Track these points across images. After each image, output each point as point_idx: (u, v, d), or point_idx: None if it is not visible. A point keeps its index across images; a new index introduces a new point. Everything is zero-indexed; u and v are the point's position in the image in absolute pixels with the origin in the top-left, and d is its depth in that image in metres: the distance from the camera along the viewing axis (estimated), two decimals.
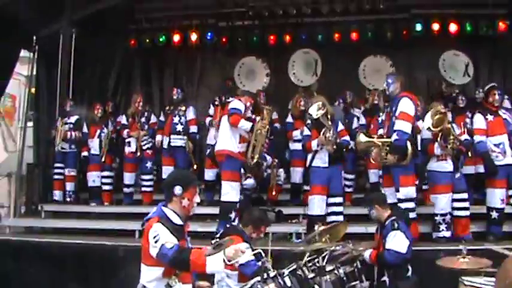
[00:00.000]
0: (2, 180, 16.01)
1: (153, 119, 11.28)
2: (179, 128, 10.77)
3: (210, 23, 12.88)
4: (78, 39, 12.29)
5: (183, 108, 10.87)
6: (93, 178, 11.40)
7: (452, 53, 11.64)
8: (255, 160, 8.90)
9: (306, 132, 9.00)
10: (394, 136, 7.78)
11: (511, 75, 11.95)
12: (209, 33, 12.79)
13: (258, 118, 8.95)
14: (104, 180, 11.39)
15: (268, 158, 10.08)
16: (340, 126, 9.00)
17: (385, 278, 6.46)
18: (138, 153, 10.97)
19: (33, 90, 12.97)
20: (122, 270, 7.96)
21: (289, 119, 10.94)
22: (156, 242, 4.30)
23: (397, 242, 6.31)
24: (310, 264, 6.05)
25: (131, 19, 12.88)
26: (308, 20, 12.61)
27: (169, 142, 10.77)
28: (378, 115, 9.97)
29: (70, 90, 12.13)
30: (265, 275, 5.38)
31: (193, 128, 10.93)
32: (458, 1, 11.79)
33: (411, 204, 7.85)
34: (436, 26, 11.75)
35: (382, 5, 11.91)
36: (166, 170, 10.45)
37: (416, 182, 8.65)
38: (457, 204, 8.28)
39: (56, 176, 11.60)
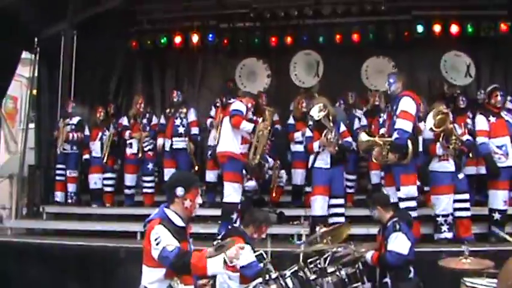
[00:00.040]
0: (4, 181, 16.08)
1: (155, 120, 11.28)
2: (181, 130, 10.78)
3: (211, 25, 12.88)
4: (80, 40, 12.32)
5: (184, 110, 10.88)
6: (95, 180, 11.39)
7: (453, 54, 11.63)
8: (256, 161, 8.89)
9: (308, 133, 9.00)
10: (395, 135, 7.78)
11: None
12: (210, 35, 12.79)
13: (260, 119, 8.95)
14: (106, 182, 11.38)
15: (270, 159, 10.08)
16: (342, 128, 8.99)
17: (387, 280, 6.44)
18: (140, 155, 10.96)
19: (34, 91, 13.00)
20: (124, 271, 7.95)
21: (291, 121, 10.93)
22: (157, 244, 4.30)
23: (399, 243, 6.30)
24: (311, 265, 6.06)
25: (132, 21, 12.90)
26: (309, 22, 12.61)
27: (172, 144, 10.77)
28: (379, 116, 9.98)
29: (72, 91, 12.13)
30: (267, 277, 5.39)
31: (195, 130, 10.93)
32: (460, 2, 11.80)
33: (412, 203, 7.84)
34: (437, 28, 11.75)
35: (384, 6, 11.92)
36: (168, 172, 10.46)
37: (418, 183, 8.65)
38: (458, 205, 8.26)
39: (57, 177, 11.58)
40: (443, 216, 8.16)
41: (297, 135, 10.57)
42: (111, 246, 9.05)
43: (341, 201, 8.86)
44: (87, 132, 11.55)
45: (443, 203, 8.15)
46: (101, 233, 9.99)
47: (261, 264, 5.66)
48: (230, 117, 8.77)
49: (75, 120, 11.54)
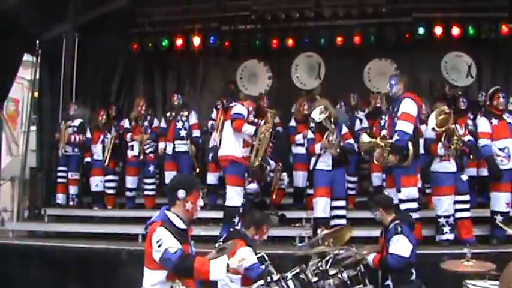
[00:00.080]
0: (5, 184, 16.06)
1: (156, 122, 11.26)
2: (183, 133, 10.77)
3: (212, 27, 12.91)
4: (81, 43, 12.34)
5: (186, 113, 10.87)
6: (96, 183, 11.38)
7: (454, 55, 11.65)
8: (257, 162, 8.88)
9: (310, 135, 8.99)
10: (396, 136, 7.77)
11: None
12: (212, 37, 12.81)
13: (261, 122, 8.95)
14: (107, 184, 11.37)
15: (272, 162, 10.09)
16: (344, 130, 8.99)
17: (389, 282, 6.44)
18: (141, 157, 10.96)
19: (36, 94, 13.01)
20: (125, 274, 7.95)
21: (292, 123, 10.91)
22: (159, 246, 4.30)
23: (400, 246, 6.29)
24: (313, 268, 6.05)
25: (134, 23, 12.92)
26: (311, 24, 12.63)
27: (174, 148, 10.77)
28: (380, 118, 9.95)
29: (73, 94, 12.15)
30: (268, 279, 5.38)
31: (196, 132, 10.92)
32: (461, 4, 11.80)
33: (414, 205, 7.84)
34: (438, 30, 11.76)
35: (385, 8, 11.93)
36: (169, 175, 10.41)
37: (420, 185, 8.65)
38: (459, 206, 8.26)
39: (59, 180, 11.59)
40: (444, 217, 8.15)
41: (298, 138, 10.56)
42: (113, 248, 9.04)
43: (342, 203, 8.87)
44: (88, 135, 11.54)
45: (445, 204, 8.14)
46: (103, 235, 9.99)
47: (263, 267, 5.64)
48: (231, 121, 8.76)
49: (76, 122, 11.55)
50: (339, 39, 12.41)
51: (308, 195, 10.28)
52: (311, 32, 12.65)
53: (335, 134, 8.60)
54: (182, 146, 10.76)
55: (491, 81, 11.91)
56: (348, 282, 6.07)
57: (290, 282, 5.51)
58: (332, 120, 8.72)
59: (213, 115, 11.12)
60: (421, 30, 11.92)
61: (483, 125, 8.45)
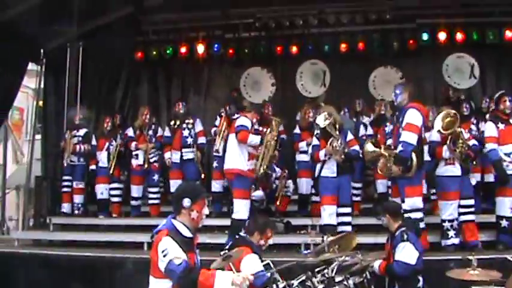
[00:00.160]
0: (11, 193, 16.09)
1: (160, 131, 11.27)
2: (190, 141, 10.79)
3: (216, 35, 12.91)
4: (86, 51, 12.36)
5: (191, 121, 10.88)
6: (101, 190, 11.38)
7: (455, 56, 11.69)
8: (262, 170, 8.87)
9: (315, 142, 8.98)
10: (399, 147, 7.78)
11: None
12: (216, 45, 12.81)
13: (266, 130, 8.94)
14: (113, 192, 11.36)
15: (278, 169, 10.09)
16: (350, 136, 8.97)
17: None
18: (146, 166, 10.97)
19: (40, 103, 13.05)
20: (131, 282, 7.95)
21: (297, 130, 10.91)
22: (164, 256, 4.28)
23: (406, 253, 6.28)
24: (319, 275, 6.04)
25: (138, 31, 12.94)
26: (315, 31, 12.63)
27: (182, 156, 10.77)
28: (385, 125, 9.98)
29: (78, 102, 12.16)
30: (274, 286, 5.37)
31: (202, 139, 10.95)
32: (464, 10, 11.79)
33: (418, 215, 7.81)
34: (442, 35, 11.74)
35: (388, 15, 11.93)
36: (174, 184, 10.41)
37: (425, 191, 8.64)
38: (463, 210, 8.25)
39: (64, 189, 11.61)
40: (449, 221, 8.14)
41: (302, 145, 10.57)
42: (118, 257, 9.03)
43: (348, 210, 8.84)
44: (94, 142, 11.56)
45: (450, 209, 8.14)
46: (108, 243, 10.01)
47: (268, 274, 5.63)
48: (236, 133, 8.76)
49: (82, 132, 11.58)
50: (343, 45, 12.41)
51: (313, 202, 10.29)
52: (315, 39, 12.65)
53: (340, 140, 8.58)
54: (189, 154, 10.77)
55: (496, 85, 11.90)
56: None
57: None
58: (337, 126, 8.71)
59: (217, 122, 11.09)
60: (425, 36, 11.93)
61: (490, 129, 8.42)
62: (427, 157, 8.29)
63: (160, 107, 13.85)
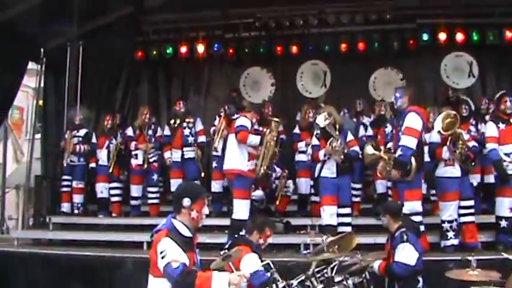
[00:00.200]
0: (10, 192, 16.08)
1: (159, 131, 11.28)
2: (191, 139, 10.80)
3: (216, 35, 12.91)
4: (86, 51, 12.37)
5: (191, 120, 10.89)
6: (101, 189, 11.39)
7: (454, 55, 11.68)
8: (262, 171, 8.87)
9: (315, 142, 8.97)
10: (398, 152, 7.80)
11: None
12: (216, 45, 12.81)
13: (266, 130, 8.94)
14: (112, 192, 11.36)
15: (278, 169, 10.09)
16: (350, 137, 8.96)
17: None
18: (145, 166, 10.97)
19: (40, 102, 13.04)
20: (130, 281, 7.95)
21: (297, 130, 10.92)
22: (162, 258, 4.28)
23: (406, 254, 6.27)
24: (318, 275, 6.04)
25: (138, 31, 12.94)
26: (315, 31, 12.63)
27: (183, 155, 10.78)
28: (385, 126, 9.98)
29: (78, 102, 12.17)
30: (273, 286, 5.37)
31: (202, 138, 10.95)
32: (465, 10, 11.78)
33: (418, 218, 7.77)
34: (442, 36, 11.74)
35: (389, 15, 11.93)
36: (175, 183, 10.41)
37: (424, 192, 8.64)
38: (463, 211, 8.26)
39: (64, 189, 11.62)
40: (448, 222, 8.15)
41: (301, 145, 10.58)
42: (118, 256, 9.04)
43: (348, 210, 8.83)
44: (94, 140, 11.58)
45: (450, 209, 8.15)
46: (108, 243, 10.01)
47: (268, 274, 5.63)
48: (236, 134, 8.76)
49: (82, 132, 11.60)
50: (343, 45, 12.42)
51: (312, 202, 10.29)
52: (315, 39, 12.66)
53: (339, 140, 8.58)
54: (190, 153, 10.79)
55: (496, 86, 11.91)
56: None
57: None
58: (337, 126, 8.70)
59: (216, 122, 11.08)
60: (425, 37, 11.93)
61: (490, 129, 8.41)
62: (426, 158, 8.30)
63: (160, 106, 13.87)
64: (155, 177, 11.14)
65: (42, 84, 12.65)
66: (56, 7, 10.47)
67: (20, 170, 15.41)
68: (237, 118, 9.09)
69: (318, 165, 8.85)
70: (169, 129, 10.98)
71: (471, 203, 8.33)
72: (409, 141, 7.70)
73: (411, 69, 12.41)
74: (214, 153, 10.71)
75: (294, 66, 12.58)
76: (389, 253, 6.55)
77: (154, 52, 13.00)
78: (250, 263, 5.50)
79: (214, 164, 10.70)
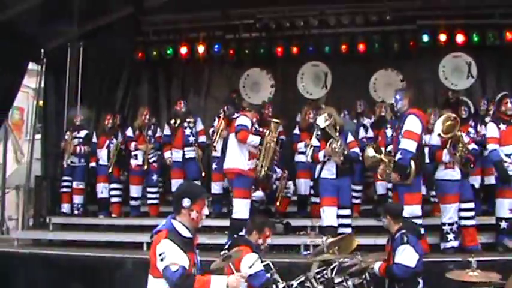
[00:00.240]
0: (10, 192, 16.07)
1: (159, 132, 11.28)
2: (192, 139, 10.80)
3: (217, 35, 12.93)
4: (86, 51, 12.37)
5: (192, 119, 10.89)
6: (101, 189, 11.39)
7: (451, 56, 11.69)
8: (263, 173, 8.86)
9: (315, 143, 8.96)
10: (398, 155, 7.79)
11: None
12: (216, 46, 12.83)
13: (266, 131, 8.93)
14: (112, 193, 11.36)
15: (278, 170, 10.09)
16: (350, 138, 8.92)
17: None
18: (145, 167, 10.97)
19: (41, 102, 13.04)
20: (130, 282, 7.95)
21: (296, 131, 10.92)
22: (162, 260, 4.28)
23: (406, 256, 6.26)
24: (318, 276, 6.04)
25: (139, 32, 12.95)
26: (315, 32, 12.64)
27: (184, 155, 10.78)
28: (385, 127, 9.97)
29: (78, 102, 12.17)
30: (274, 287, 5.37)
31: (203, 138, 10.95)
32: (465, 12, 11.78)
33: (418, 221, 7.74)
34: (443, 37, 11.76)
35: (389, 16, 11.94)
36: (176, 183, 10.39)
37: (424, 192, 8.64)
38: (463, 214, 8.25)
39: (64, 189, 11.62)
40: (449, 224, 8.14)
41: (300, 146, 10.57)
42: (118, 256, 9.03)
43: (348, 212, 8.81)
44: (94, 139, 11.58)
45: (450, 212, 8.14)
46: (108, 243, 10.00)
47: (268, 275, 5.63)
48: (236, 133, 8.75)
49: (82, 133, 11.61)
50: (343, 47, 12.44)
51: (312, 203, 10.28)
52: (315, 40, 12.67)
53: (339, 142, 8.56)
54: (191, 153, 10.78)
55: (496, 86, 11.93)
56: None
57: None
58: (337, 128, 8.69)
59: (215, 123, 11.05)
60: (425, 38, 11.95)
61: (491, 130, 8.38)
62: (426, 159, 8.29)
63: (160, 107, 13.89)
64: (155, 177, 11.14)
65: (42, 85, 12.64)
66: (56, 7, 10.48)
67: (20, 170, 15.40)
68: (237, 117, 9.08)
69: (318, 166, 8.83)
70: (169, 129, 10.96)
71: (471, 205, 8.32)
72: (409, 145, 7.69)
73: (411, 71, 12.42)
74: (213, 153, 10.68)
75: (294, 67, 12.60)
76: (389, 254, 6.54)
77: (155, 53, 13.03)
78: (251, 263, 5.50)
79: (214, 166, 10.68)
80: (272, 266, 5.82)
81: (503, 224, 8.17)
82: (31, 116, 15.82)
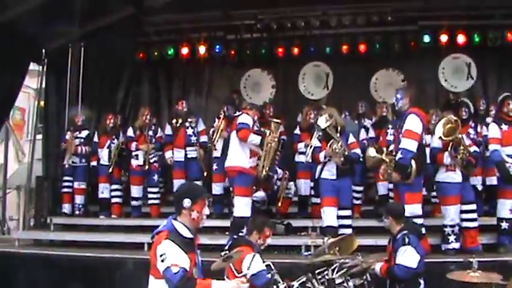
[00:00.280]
0: (12, 193, 16.09)
1: (160, 132, 11.28)
2: (194, 139, 10.80)
3: (218, 36, 12.92)
4: (87, 52, 12.38)
5: (194, 119, 10.89)
6: (102, 190, 11.39)
7: (451, 58, 11.68)
8: (264, 173, 8.86)
9: (317, 143, 8.95)
10: (399, 154, 7.79)
11: None
12: (217, 46, 12.82)
13: (267, 132, 8.93)
14: (113, 194, 11.36)
15: (279, 170, 10.08)
16: (351, 139, 8.89)
17: None
18: (146, 167, 10.96)
19: (42, 103, 13.05)
20: (131, 283, 7.93)
21: (297, 131, 10.92)
22: (162, 261, 4.27)
23: (408, 257, 6.25)
24: (319, 276, 6.04)
25: (140, 32, 12.94)
26: (316, 33, 12.62)
27: (186, 154, 10.78)
28: (387, 127, 9.96)
29: (79, 103, 12.18)
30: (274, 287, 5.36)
31: (204, 138, 10.93)
32: (466, 12, 11.77)
33: (419, 221, 7.77)
34: (444, 38, 11.75)
35: (390, 17, 11.93)
36: (177, 183, 10.34)
37: (425, 193, 8.63)
38: (465, 216, 8.23)
39: (65, 190, 11.62)
40: (450, 226, 8.14)
41: (300, 146, 10.57)
42: (118, 257, 9.03)
43: (348, 212, 8.79)
44: (96, 139, 11.59)
45: (451, 214, 8.13)
46: (108, 244, 9.99)
47: (269, 275, 5.62)
48: (237, 131, 8.75)
49: (84, 133, 11.63)
50: (344, 47, 12.43)
51: (313, 203, 10.27)
52: (317, 41, 12.67)
53: (340, 142, 8.55)
54: (193, 152, 10.79)
55: (497, 87, 11.93)
56: None
57: None
58: (339, 128, 8.68)
59: (215, 124, 11.04)
60: (426, 38, 11.94)
61: (493, 130, 8.38)
62: (428, 159, 8.29)
63: (161, 107, 13.90)
64: (155, 177, 11.14)
65: (43, 85, 12.63)
66: (57, 8, 10.47)
67: (21, 170, 15.40)
68: (239, 115, 9.08)
69: (319, 167, 8.83)
70: (171, 129, 10.96)
71: (473, 207, 8.30)
72: (409, 144, 7.69)
73: (413, 71, 12.40)
74: (214, 154, 10.69)
75: (295, 68, 12.60)
76: (390, 255, 6.54)
77: (156, 53, 13.03)
78: (253, 263, 5.49)
79: (214, 167, 10.68)
80: (273, 267, 5.81)
81: (504, 225, 8.17)
82: (32, 116, 15.85)
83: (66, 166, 11.51)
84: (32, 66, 12.65)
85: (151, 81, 14.05)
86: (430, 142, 8.55)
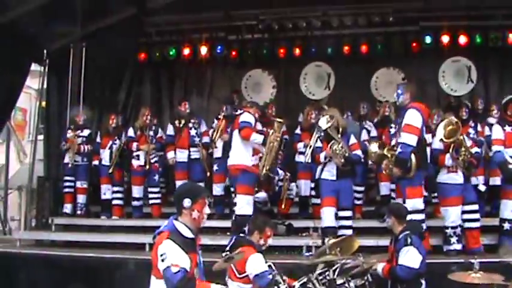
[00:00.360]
0: (13, 193, 16.10)
1: (160, 132, 11.28)
2: (197, 140, 10.79)
3: (219, 36, 12.94)
4: (89, 52, 12.38)
5: (196, 120, 10.90)
6: (104, 191, 11.40)
7: (451, 61, 11.68)
8: (264, 171, 8.84)
9: (317, 143, 8.94)
10: (398, 149, 7.78)
11: None
12: (219, 47, 12.84)
13: (271, 131, 8.92)
14: (114, 195, 11.35)
15: (281, 171, 10.07)
16: (353, 140, 8.85)
17: None
18: (147, 167, 10.96)
19: (43, 103, 13.06)
20: (132, 283, 7.93)
21: (298, 131, 10.92)
22: (162, 260, 4.27)
23: (410, 257, 6.25)
24: (320, 277, 6.03)
25: (141, 33, 12.95)
26: (318, 33, 12.64)
27: (189, 155, 10.77)
28: (390, 127, 9.96)
29: (80, 103, 12.18)
30: None
31: (206, 139, 10.90)
32: (467, 13, 11.78)
33: (419, 216, 7.78)
34: (445, 38, 11.75)
35: (391, 17, 11.93)
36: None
37: (426, 194, 8.62)
38: (467, 216, 8.21)
39: (66, 190, 11.62)
40: (452, 228, 8.11)
41: (300, 146, 10.57)
42: (120, 257, 9.03)
43: (348, 213, 8.75)
44: (98, 139, 11.60)
45: (452, 215, 8.10)
46: (110, 244, 9.99)
47: (270, 276, 5.62)
48: (239, 130, 8.74)
49: (86, 132, 11.63)
50: (345, 48, 12.44)
51: (314, 204, 10.26)
52: (318, 41, 12.68)
53: (341, 143, 8.53)
54: (196, 153, 10.79)
55: (498, 87, 11.92)
56: None
57: None
58: (340, 129, 8.66)
59: (214, 125, 11.03)
60: (428, 39, 11.94)
61: (496, 132, 8.38)
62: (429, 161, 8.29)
63: (163, 108, 13.91)
64: (156, 177, 11.13)
65: (45, 86, 12.65)
66: (58, 8, 10.48)
67: (23, 171, 15.44)
68: (240, 114, 9.06)
69: (319, 167, 8.82)
70: (173, 129, 10.92)
71: (475, 207, 8.26)
72: (409, 139, 7.68)
73: (414, 72, 12.38)
74: (215, 154, 10.71)
75: (296, 68, 12.60)
76: (392, 255, 6.53)
77: (157, 53, 13.05)
78: (256, 263, 5.50)
79: (215, 167, 10.68)
80: (274, 267, 5.81)
81: (507, 226, 8.17)
82: (34, 117, 15.84)
83: (69, 165, 11.50)
84: (34, 66, 12.66)
85: (152, 82, 14.07)
86: (431, 145, 8.53)
